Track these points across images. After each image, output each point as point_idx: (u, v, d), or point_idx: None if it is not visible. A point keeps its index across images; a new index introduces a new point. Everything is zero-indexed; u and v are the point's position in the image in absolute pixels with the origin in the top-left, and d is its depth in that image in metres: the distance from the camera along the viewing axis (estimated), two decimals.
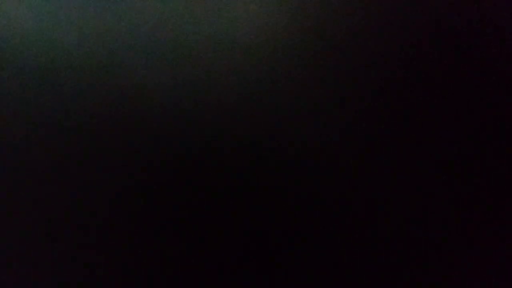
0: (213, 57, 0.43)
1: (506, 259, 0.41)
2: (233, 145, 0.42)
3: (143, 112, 0.42)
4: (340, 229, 0.42)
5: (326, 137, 0.42)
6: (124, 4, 0.43)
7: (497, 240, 0.41)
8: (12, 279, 0.42)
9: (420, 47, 0.43)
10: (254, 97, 0.42)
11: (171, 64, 0.43)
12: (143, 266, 0.42)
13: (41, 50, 0.43)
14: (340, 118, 0.42)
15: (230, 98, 0.42)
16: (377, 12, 0.43)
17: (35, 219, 0.42)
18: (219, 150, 0.42)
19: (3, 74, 0.43)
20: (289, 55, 0.43)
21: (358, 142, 0.42)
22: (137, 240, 0.42)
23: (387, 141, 0.42)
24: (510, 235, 0.41)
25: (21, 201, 0.42)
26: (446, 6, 0.43)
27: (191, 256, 0.42)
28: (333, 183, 0.42)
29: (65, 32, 0.43)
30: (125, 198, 0.42)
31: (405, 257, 0.42)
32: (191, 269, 0.42)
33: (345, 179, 0.42)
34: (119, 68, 0.43)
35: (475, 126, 0.42)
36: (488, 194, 0.42)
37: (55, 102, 0.43)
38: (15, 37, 0.43)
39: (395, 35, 0.43)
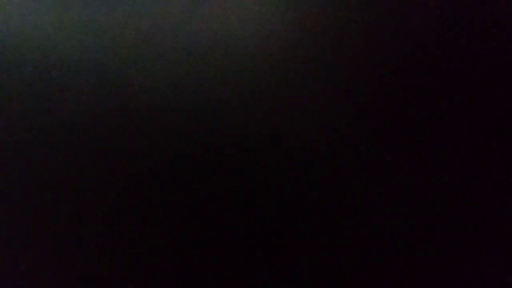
0: (213, 58, 0.43)
1: (506, 259, 0.41)
2: (233, 146, 0.42)
3: (142, 113, 0.42)
4: (341, 229, 0.42)
5: (326, 137, 0.42)
6: (124, 5, 0.43)
7: (497, 240, 0.42)
8: (12, 279, 0.42)
9: (421, 47, 0.43)
10: (254, 97, 0.42)
11: (171, 65, 0.43)
12: (144, 267, 0.42)
13: (40, 51, 0.43)
14: (341, 118, 0.42)
15: (230, 99, 0.42)
16: (378, 12, 0.43)
17: (35, 219, 0.42)
18: (219, 150, 0.42)
19: (2, 74, 0.43)
20: (289, 55, 0.43)
21: (359, 142, 0.42)
22: (137, 241, 0.42)
23: (389, 141, 0.42)
24: (510, 235, 0.41)
25: (20, 201, 0.42)
26: (446, 6, 0.43)
27: (190, 257, 0.42)
28: (333, 183, 0.42)
29: (64, 34, 0.43)
30: (125, 198, 0.42)
31: (405, 258, 0.42)
32: (191, 270, 0.42)
33: (346, 179, 0.42)
34: (118, 69, 0.43)
35: (475, 126, 0.42)
36: (488, 194, 0.42)
37: (55, 103, 0.43)
38: (15, 39, 0.43)
39: (397, 35, 0.43)
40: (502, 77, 0.42)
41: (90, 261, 0.42)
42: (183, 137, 0.42)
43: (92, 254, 0.42)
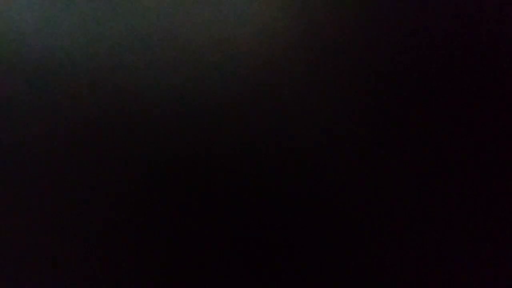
0: (214, 58, 0.43)
1: (506, 259, 0.41)
2: (234, 146, 0.42)
3: (143, 113, 0.42)
4: (339, 230, 0.42)
5: (326, 138, 0.42)
6: (125, 4, 0.43)
7: (497, 240, 0.42)
8: (12, 279, 0.42)
9: (421, 48, 0.43)
10: (254, 98, 0.42)
11: (171, 65, 0.43)
12: (142, 267, 0.42)
13: (40, 51, 0.43)
14: (341, 119, 0.42)
15: (231, 99, 0.42)
16: (379, 13, 0.43)
17: (35, 220, 0.42)
18: (220, 151, 0.42)
19: (1, 74, 0.43)
20: (290, 56, 0.43)
21: (359, 143, 0.42)
22: (136, 242, 0.42)
23: (388, 142, 0.42)
24: (510, 235, 0.41)
25: (20, 202, 0.42)
26: (446, 7, 0.43)
27: (188, 257, 0.42)
28: (332, 184, 0.42)
29: (65, 33, 0.43)
30: (124, 198, 0.42)
31: (404, 258, 0.42)
32: (189, 270, 0.42)
33: (345, 180, 0.42)
34: (119, 69, 0.43)
35: (474, 127, 0.42)
36: (487, 194, 0.42)
37: (55, 102, 0.43)
38: (14, 38, 0.43)
39: (397, 35, 0.43)
40: (502, 77, 0.42)
41: (89, 261, 0.42)
42: (182, 138, 0.42)
43: (92, 254, 0.42)
